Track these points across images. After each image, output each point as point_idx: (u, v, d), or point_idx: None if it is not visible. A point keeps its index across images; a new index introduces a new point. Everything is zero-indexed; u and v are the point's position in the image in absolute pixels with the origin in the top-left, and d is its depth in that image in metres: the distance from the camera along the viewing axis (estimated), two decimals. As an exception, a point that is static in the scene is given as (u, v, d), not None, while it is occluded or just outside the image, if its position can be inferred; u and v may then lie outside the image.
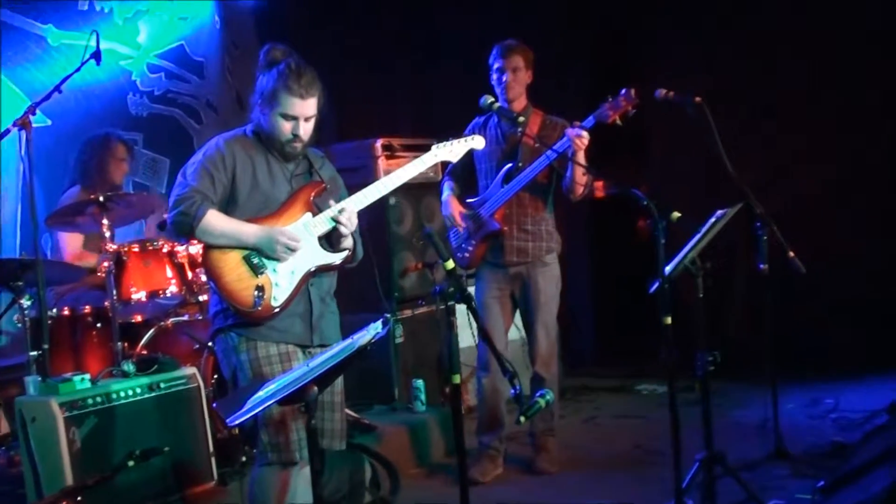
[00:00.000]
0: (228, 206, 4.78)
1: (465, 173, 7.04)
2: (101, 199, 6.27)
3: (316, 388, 3.61)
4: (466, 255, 6.87)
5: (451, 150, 5.32)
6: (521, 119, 6.24)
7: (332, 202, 4.88)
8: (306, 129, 4.82)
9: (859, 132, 9.00)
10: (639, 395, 9.27)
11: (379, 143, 8.16)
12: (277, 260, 4.72)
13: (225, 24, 9.47)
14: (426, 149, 5.27)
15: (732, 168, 6.19)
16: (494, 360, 6.66)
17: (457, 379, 4.02)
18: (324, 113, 4.90)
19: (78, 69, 6.31)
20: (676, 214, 5.12)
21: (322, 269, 4.87)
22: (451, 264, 4.08)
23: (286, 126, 4.76)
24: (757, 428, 7.26)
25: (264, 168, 4.85)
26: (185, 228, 4.69)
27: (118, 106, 8.51)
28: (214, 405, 4.39)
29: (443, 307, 8.09)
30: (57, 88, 6.25)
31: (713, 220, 5.63)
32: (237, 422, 3.68)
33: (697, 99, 6.13)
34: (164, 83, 8.89)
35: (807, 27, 9.04)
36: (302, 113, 4.76)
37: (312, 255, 4.81)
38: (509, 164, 6.74)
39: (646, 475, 6.60)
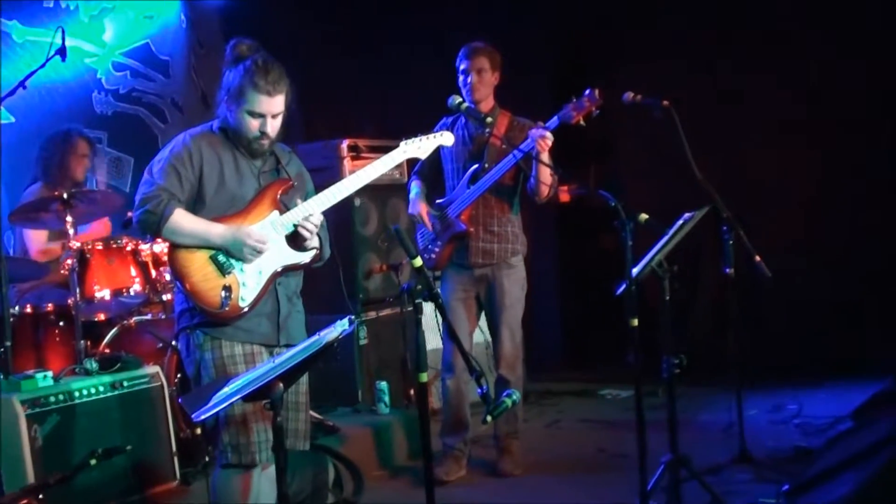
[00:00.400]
0: (195, 205, 4.73)
1: (432, 173, 7.03)
2: (66, 195, 6.22)
3: (282, 385, 3.58)
4: (433, 255, 6.84)
5: (420, 147, 5.26)
6: (489, 120, 6.23)
7: (298, 200, 4.85)
8: (274, 126, 4.77)
9: (838, 140, 9.06)
10: (602, 399, 9.26)
11: (345, 144, 8.12)
12: (244, 260, 4.68)
13: (191, 23, 9.43)
14: (392, 150, 5.23)
15: (699, 171, 6.21)
16: (459, 362, 6.76)
17: (423, 377, 3.99)
18: (291, 112, 4.86)
19: (43, 65, 6.28)
20: (644, 216, 5.14)
21: (289, 269, 4.83)
22: (418, 262, 4.06)
23: (253, 123, 4.71)
24: (721, 432, 7.30)
25: (231, 165, 4.79)
26: (151, 227, 4.64)
27: (83, 104, 8.44)
28: (179, 400, 4.35)
29: (408, 309, 8.19)
30: (22, 84, 6.22)
31: (681, 222, 5.63)
32: (202, 417, 3.64)
33: (665, 102, 6.16)
34: (129, 81, 8.83)
35: (790, 25, 9.10)
36: (269, 110, 4.70)
37: (280, 255, 4.77)
38: (475, 166, 6.73)
39: (610, 478, 6.60)
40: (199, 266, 4.64)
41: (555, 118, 6.40)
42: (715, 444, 7.00)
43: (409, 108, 9.30)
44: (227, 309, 4.60)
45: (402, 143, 5.25)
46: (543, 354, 10.34)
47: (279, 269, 4.77)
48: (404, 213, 7.54)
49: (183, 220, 4.63)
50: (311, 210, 4.78)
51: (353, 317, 3.91)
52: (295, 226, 4.75)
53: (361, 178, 4.99)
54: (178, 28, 9.35)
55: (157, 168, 4.72)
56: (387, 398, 7.77)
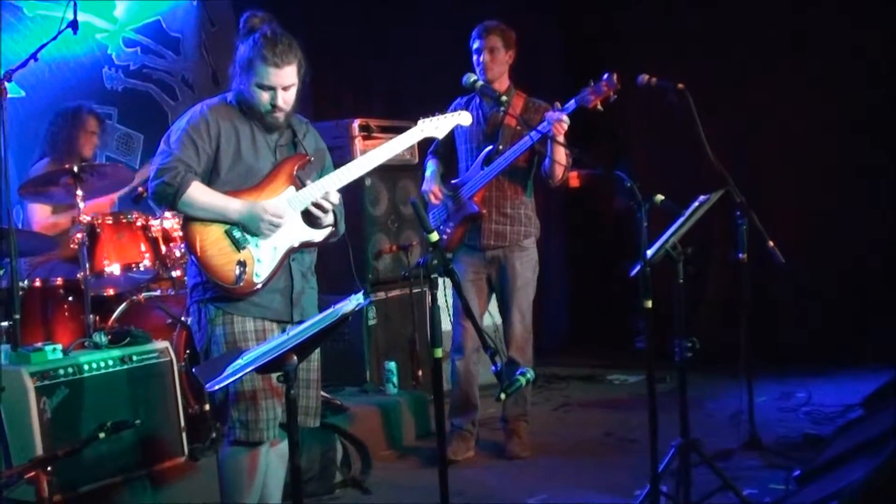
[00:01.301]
0: (210, 177, 4.70)
1: (448, 152, 7.01)
2: (76, 169, 6.19)
3: (295, 358, 3.56)
4: (444, 237, 6.79)
5: (438, 126, 5.21)
6: (504, 99, 6.16)
7: (314, 176, 4.82)
8: (286, 99, 4.71)
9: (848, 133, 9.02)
10: (610, 384, 9.26)
11: (356, 124, 8.09)
12: (260, 235, 4.65)
13: (202, 1, 9.37)
14: (402, 131, 5.18)
15: (714, 156, 6.18)
16: (469, 343, 6.74)
17: (438, 353, 3.97)
18: (304, 84, 4.82)
19: (55, 37, 6.25)
20: (660, 197, 5.09)
21: (304, 246, 4.80)
22: (434, 236, 4.03)
23: (264, 96, 4.67)
24: (729, 419, 7.31)
25: (248, 138, 4.75)
26: (167, 199, 4.60)
27: (93, 80, 8.38)
28: (193, 370, 4.32)
29: (418, 290, 8.19)
30: (33, 56, 6.20)
31: (696, 204, 5.58)
32: (215, 388, 3.62)
33: (680, 85, 6.11)
34: (140, 58, 8.78)
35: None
36: (278, 83, 4.65)
37: (295, 231, 4.73)
38: (489, 147, 6.70)
39: (618, 462, 6.63)
40: (214, 240, 4.61)
41: (572, 101, 6.37)
42: (723, 431, 7.01)
43: (422, 87, 9.30)
44: (241, 284, 4.57)
45: (420, 122, 5.19)
46: (551, 338, 10.35)
47: (295, 246, 4.73)
48: (415, 193, 7.51)
49: (199, 193, 4.59)
50: (328, 188, 4.74)
51: (366, 287, 3.88)
52: (312, 203, 4.72)
53: (378, 156, 4.94)
54: (189, 5, 9.28)
55: (174, 138, 4.68)
56: (395, 379, 7.75)
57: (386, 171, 7.98)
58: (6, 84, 5.92)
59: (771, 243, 6.42)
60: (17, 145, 7.33)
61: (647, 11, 9.82)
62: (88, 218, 6.35)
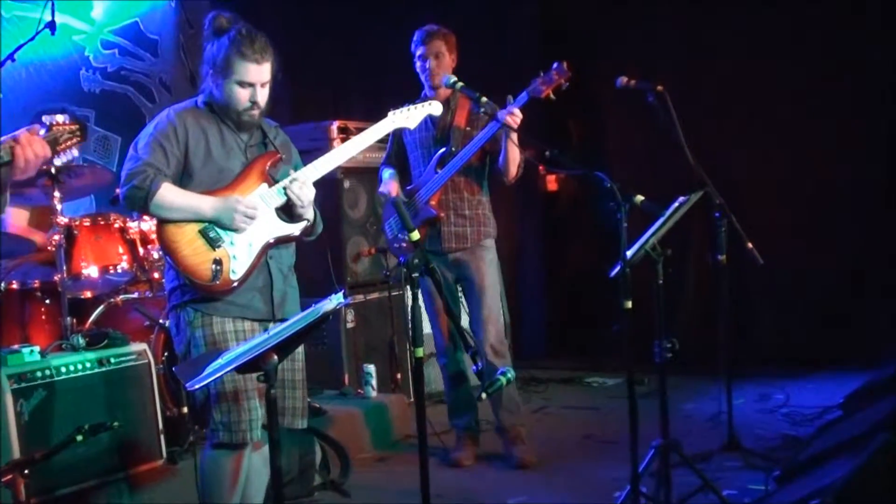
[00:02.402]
0: (182, 180, 4.68)
1: (398, 163, 6.98)
2: (53, 170, 6.15)
3: (276, 357, 3.54)
4: (403, 244, 6.70)
5: (409, 117, 5.23)
6: (484, 100, 6.11)
7: (290, 172, 4.81)
8: (263, 96, 4.72)
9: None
10: (588, 387, 9.26)
11: (335, 126, 8.10)
12: (234, 231, 4.62)
13: (180, 3, 9.34)
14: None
15: (692, 157, 6.19)
16: (451, 345, 6.70)
17: (420, 352, 3.94)
18: (278, 92, 4.83)
19: (33, 38, 6.25)
20: (640, 198, 5.08)
21: (281, 241, 4.78)
22: (416, 235, 4.02)
23: (243, 94, 4.67)
24: (707, 421, 7.32)
25: (217, 139, 4.75)
26: (138, 203, 4.58)
27: (70, 82, 8.36)
28: (174, 369, 4.29)
29: (396, 293, 8.18)
30: (10, 57, 6.20)
31: (675, 205, 5.58)
32: (195, 387, 3.61)
33: (659, 87, 6.12)
34: (117, 60, 8.75)
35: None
36: (258, 79, 4.67)
37: (270, 227, 4.72)
38: (443, 150, 6.65)
39: (597, 464, 6.62)
40: (188, 240, 4.59)
41: (523, 94, 6.29)
42: (702, 433, 7.04)
43: (400, 88, 9.26)
44: (217, 282, 4.55)
45: (391, 114, 5.21)
46: (528, 342, 10.35)
47: (271, 241, 4.72)
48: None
49: (170, 193, 4.58)
50: (301, 178, 4.75)
51: (345, 289, 3.87)
52: (285, 190, 4.71)
53: (349, 148, 4.98)
54: (167, 7, 9.25)
55: (142, 144, 4.67)
56: (374, 381, 7.73)
57: (364, 174, 8.00)
58: (-17, 85, 5.91)
59: (750, 245, 6.43)
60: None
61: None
62: (66, 219, 6.31)
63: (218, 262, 4.57)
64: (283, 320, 4.61)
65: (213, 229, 4.61)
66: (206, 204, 4.61)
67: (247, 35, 4.63)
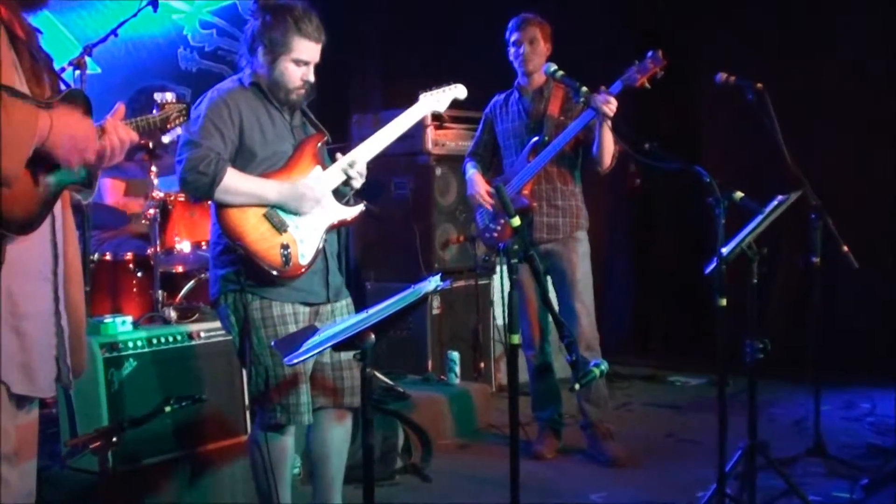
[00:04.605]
0: (240, 162, 4.62)
1: (486, 153, 6.95)
2: (152, 145, 6.20)
3: (373, 336, 3.53)
4: (494, 234, 6.69)
5: (438, 100, 5.16)
6: (584, 89, 6.06)
7: (339, 154, 4.79)
8: (312, 76, 4.72)
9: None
10: (672, 385, 9.20)
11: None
12: (298, 215, 4.60)
13: (279, -14, 9.40)
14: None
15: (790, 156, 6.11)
16: (538, 337, 6.66)
17: (515, 339, 3.90)
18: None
19: (136, 14, 6.31)
20: (739, 194, 5.00)
21: (340, 224, 4.77)
22: (517, 221, 3.98)
23: (297, 72, 4.65)
24: (792, 425, 7.24)
25: (268, 121, 4.69)
26: (201, 189, 4.50)
27: (168, 59, 8.48)
28: (273, 344, 4.28)
29: (483, 282, 8.17)
30: (114, 32, 6.26)
31: (774, 203, 5.50)
32: (294, 361, 3.61)
33: (759, 85, 6.03)
34: (215, 40, 8.84)
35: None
36: (313, 57, 4.67)
37: (330, 211, 4.70)
38: (535, 138, 6.59)
39: (680, 463, 6.57)
40: (254, 224, 4.53)
41: (618, 82, 6.19)
42: (786, 437, 6.95)
43: (488, 77, 9.24)
44: (289, 267, 4.52)
45: (421, 97, 5.16)
46: (612, 338, 10.26)
47: (334, 223, 4.70)
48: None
49: (235, 179, 4.51)
50: (354, 158, 4.75)
51: (441, 272, 3.85)
52: (344, 172, 4.71)
53: (387, 135, 4.91)
54: (266, -10, 9.33)
55: (195, 128, 4.56)
56: (457, 369, 7.74)
57: (456, 161, 7.97)
58: (86, 58, 5.96)
59: (845, 248, 6.32)
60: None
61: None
62: (161, 194, 6.37)
63: (286, 246, 4.53)
64: (335, 301, 4.72)
65: (276, 213, 4.56)
66: (270, 189, 4.57)
67: (305, 13, 4.61)
